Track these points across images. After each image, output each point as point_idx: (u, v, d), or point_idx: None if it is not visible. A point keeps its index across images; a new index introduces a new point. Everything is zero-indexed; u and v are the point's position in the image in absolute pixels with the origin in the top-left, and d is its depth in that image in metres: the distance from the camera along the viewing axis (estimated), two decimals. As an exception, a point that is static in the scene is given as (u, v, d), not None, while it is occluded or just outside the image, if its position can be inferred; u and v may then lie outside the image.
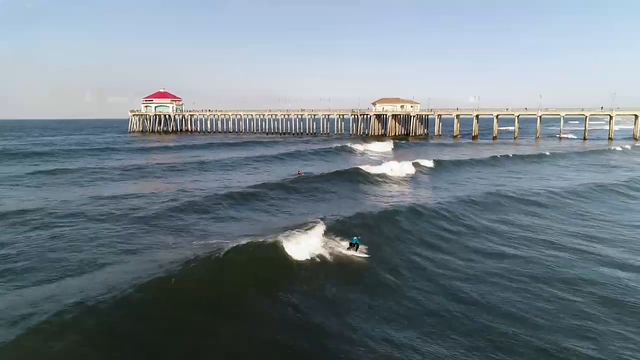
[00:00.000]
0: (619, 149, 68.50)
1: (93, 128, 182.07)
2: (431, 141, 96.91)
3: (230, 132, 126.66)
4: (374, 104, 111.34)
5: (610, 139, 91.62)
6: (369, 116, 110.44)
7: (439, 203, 26.55)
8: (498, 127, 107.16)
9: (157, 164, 48.60)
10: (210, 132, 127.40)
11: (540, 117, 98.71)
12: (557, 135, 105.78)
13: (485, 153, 61.40)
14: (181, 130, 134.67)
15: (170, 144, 79.62)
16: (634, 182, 36.32)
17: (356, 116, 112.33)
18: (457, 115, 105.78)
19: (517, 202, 28.44)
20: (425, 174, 42.01)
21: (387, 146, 74.92)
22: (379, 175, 38.66)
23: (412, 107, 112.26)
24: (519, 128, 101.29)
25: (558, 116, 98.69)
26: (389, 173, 39.80)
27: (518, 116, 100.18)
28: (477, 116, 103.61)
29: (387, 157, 56.06)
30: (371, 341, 11.14)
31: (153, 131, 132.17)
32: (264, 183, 32.75)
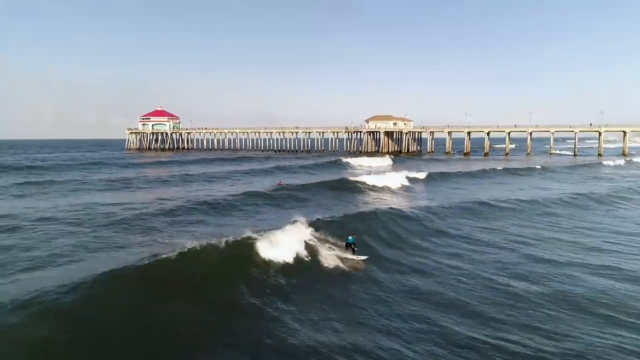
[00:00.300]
0: (609, 163, 68.99)
1: (92, 146, 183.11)
2: (424, 157, 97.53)
3: (226, 149, 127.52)
4: (367, 121, 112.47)
5: (599, 154, 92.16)
6: (362, 133, 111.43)
7: (415, 208, 26.77)
8: (490, 144, 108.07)
9: (144, 176, 49.00)
10: (207, 149, 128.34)
11: (530, 133, 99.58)
12: (549, 152, 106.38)
13: (474, 167, 61.86)
14: (178, 147, 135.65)
15: (163, 159, 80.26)
16: (604, 191, 36.56)
17: (350, 133, 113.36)
18: (449, 132, 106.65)
19: (491, 208, 28.66)
20: (412, 184, 42.05)
21: (380, 161, 75.54)
22: (364, 184, 38.74)
23: (405, 124, 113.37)
24: (514, 146, 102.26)
25: (548, 132, 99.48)
26: (376, 182, 39.55)
27: (509, 133, 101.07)
28: (468, 133, 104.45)
29: (378, 170, 56.52)
30: (305, 326, 11.28)
31: (150, 148, 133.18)
32: (244, 192, 32.99)
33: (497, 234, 22.22)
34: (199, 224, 23.69)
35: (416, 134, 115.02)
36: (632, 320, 11.73)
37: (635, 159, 76.28)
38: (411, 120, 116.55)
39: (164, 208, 27.12)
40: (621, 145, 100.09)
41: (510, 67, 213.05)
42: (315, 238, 17.94)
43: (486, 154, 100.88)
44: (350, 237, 17.94)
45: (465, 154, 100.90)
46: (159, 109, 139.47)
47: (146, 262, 14.09)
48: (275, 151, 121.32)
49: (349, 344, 10.36)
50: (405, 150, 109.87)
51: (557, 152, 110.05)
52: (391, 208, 25.92)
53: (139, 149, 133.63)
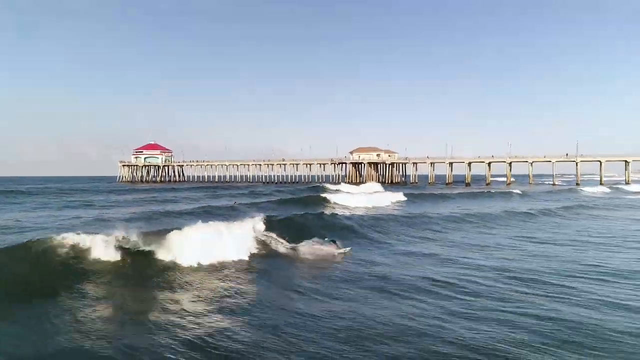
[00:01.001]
0: (585, 189, 69.13)
1: (88, 181, 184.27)
2: (407, 187, 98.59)
3: (216, 181, 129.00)
4: (351, 153, 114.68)
5: (577, 183, 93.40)
6: (346, 165, 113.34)
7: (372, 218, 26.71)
8: (471, 174, 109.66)
9: (108, 199, 49.50)
10: (198, 182, 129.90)
11: (510, 163, 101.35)
12: (528, 182, 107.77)
13: (454, 191, 62.79)
14: (170, 180, 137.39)
15: (146, 187, 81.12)
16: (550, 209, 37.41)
17: (335, 165, 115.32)
18: (431, 163, 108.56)
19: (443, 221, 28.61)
20: (382, 200, 41.85)
21: (365, 187, 75.23)
22: (335, 202, 38.04)
23: (389, 156, 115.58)
24: (514, 180, 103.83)
25: (526, 162, 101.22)
26: (347, 200, 39.42)
27: (489, 163, 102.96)
28: (450, 164, 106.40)
29: (358, 192, 56.29)
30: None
31: (142, 181, 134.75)
32: (191, 209, 31.74)
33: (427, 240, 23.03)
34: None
35: (400, 165, 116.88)
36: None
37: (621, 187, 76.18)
38: (396, 153, 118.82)
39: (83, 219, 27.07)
40: (624, 178, 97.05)
41: (488, 99, 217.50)
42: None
43: (467, 184, 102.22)
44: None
45: (447, 184, 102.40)
46: (152, 142, 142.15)
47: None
48: (263, 183, 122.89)
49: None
50: (389, 181, 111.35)
51: (541, 182, 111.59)
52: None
53: (131, 181, 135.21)
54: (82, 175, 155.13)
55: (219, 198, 48.72)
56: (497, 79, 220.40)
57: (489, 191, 62.12)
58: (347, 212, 30.22)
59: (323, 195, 41.27)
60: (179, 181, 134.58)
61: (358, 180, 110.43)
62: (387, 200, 42.90)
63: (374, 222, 23.08)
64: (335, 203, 37.42)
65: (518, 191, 61.44)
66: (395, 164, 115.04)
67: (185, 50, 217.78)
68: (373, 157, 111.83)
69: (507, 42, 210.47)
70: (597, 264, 14.07)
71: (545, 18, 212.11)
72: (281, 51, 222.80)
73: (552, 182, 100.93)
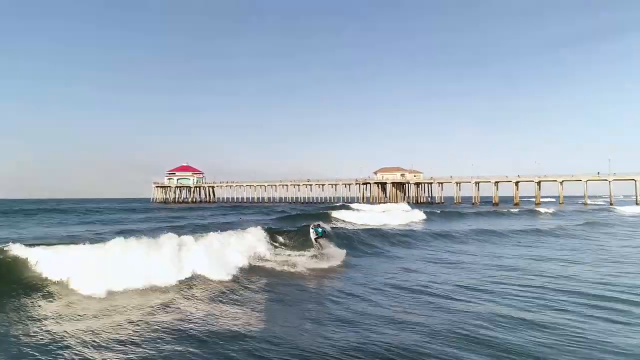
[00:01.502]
0: (619, 209, 65.66)
1: (127, 202, 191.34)
2: (432, 206, 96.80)
3: (244, 201, 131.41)
4: (375, 173, 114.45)
5: (611, 203, 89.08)
6: (369, 185, 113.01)
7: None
8: (498, 194, 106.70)
9: (134, 215, 51.48)
10: (226, 202, 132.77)
11: (538, 183, 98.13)
12: (558, 202, 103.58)
13: (481, 209, 61.14)
14: (201, 200, 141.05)
15: (172, 207, 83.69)
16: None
17: (359, 185, 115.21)
18: (457, 183, 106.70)
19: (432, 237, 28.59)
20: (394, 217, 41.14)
21: (391, 206, 73.37)
22: (340, 218, 37.57)
23: (414, 176, 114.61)
24: (520, 197, 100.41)
25: (555, 182, 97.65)
26: (353, 217, 38.39)
27: (516, 183, 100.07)
28: (477, 183, 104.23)
29: (371, 210, 55.62)
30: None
31: (174, 201, 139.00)
32: (193, 224, 31.89)
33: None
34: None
35: (425, 185, 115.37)
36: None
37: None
38: (421, 173, 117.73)
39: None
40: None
41: (516, 115, 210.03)
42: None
43: (495, 204, 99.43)
44: (319, 229, 16.52)
45: (473, 204, 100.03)
46: (185, 164, 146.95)
47: None
48: (289, 203, 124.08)
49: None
50: (414, 202, 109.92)
51: (573, 203, 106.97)
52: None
53: (165, 202, 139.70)
54: (128, 197, 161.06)
55: (229, 215, 49.61)
56: (526, 96, 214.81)
57: (509, 210, 60.11)
58: (346, 226, 30.35)
59: (331, 212, 41.36)
60: (209, 202, 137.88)
61: (383, 201, 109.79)
62: (400, 218, 41.58)
63: (363, 236, 22.90)
64: (339, 219, 37.33)
65: (544, 210, 58.73)
66: (420, 184, 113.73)
67: (218, 75, 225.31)
68: (397, 177, 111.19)
69: (536, 59, 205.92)
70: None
71: (577, 30, 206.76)
72: (307, 77, 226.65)
73: (583, 202, 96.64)
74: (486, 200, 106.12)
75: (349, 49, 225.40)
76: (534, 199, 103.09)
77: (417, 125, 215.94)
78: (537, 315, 8.88)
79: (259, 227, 18.44)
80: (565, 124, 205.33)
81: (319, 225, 17.29)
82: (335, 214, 39.51)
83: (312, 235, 16.78)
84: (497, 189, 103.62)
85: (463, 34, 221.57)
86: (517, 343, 7.22)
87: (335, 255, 15.90)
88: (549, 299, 10.29)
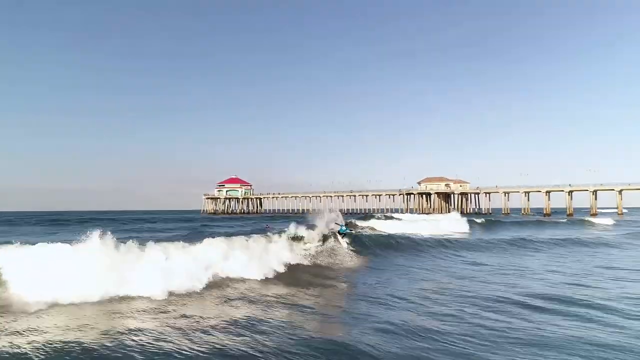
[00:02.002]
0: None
1: (181, 213, 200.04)
2: (479, 217, 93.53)
3: (289, 212, 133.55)
4: (418, 183, 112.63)
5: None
6: (413, 195, 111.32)
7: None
8: (551, 205, 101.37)
9: (174, 224, 54.05)
10: (272, 213, 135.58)
11: (594, 192, 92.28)
12: (617, 213, 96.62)
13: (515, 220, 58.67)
14: (249, 212, 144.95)
15: (217, 217, 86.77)
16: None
17: (403, 196, 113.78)
18: (505, 193, 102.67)
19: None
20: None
21: (437, 217, 70.34)
22: (370, 227, 37.18)
23: (460, 186, 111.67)
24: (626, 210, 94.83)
25: (613, 191, 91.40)
26: (385, 226, 37.33)
27: (570, 192, 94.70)
28: (526, 193, 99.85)
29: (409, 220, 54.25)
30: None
31: (222, 212, 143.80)
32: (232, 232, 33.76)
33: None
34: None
35: (472, 195, 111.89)
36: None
37: None
38: (467, 182, 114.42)
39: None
40: None
41: (567, 120, 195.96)
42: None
43: (546, 214, 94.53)
44: (342, 227, 17.81)
45: (523, 214, 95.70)
46: (234, 176, 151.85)
47: None
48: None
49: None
50: (460, 211, 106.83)
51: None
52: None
53: (214, 213, 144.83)
54: (185, 209, 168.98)
55: (257, 224, 50.45)
56: (578, 98, 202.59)
57: (555, 220, 56.98)
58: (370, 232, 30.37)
59: (365, 221, 41.31)
60: (257, 212, 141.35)
61: (428, 211, 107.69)
62: (436, 228, 40.47)
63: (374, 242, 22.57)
64: (369, 227, 37.17)
65: (597, 221, 54.53)
66: (466, 194, 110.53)
67: (269, 90, 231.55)
68: (441, 187, 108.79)
69: (591, 61, 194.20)
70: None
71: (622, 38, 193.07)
72: (350, 91, 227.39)
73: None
74: (537, 212, 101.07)
75: (388, 61, 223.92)
76: (590, 210, 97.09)
77: (465, 132, 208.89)
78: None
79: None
80: (622, 131, 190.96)
81: (346, 225, 18.54)
82: (369, 222, 39.41)
83: (336, 229, 18.16)
84: (549, 199, 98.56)
85: (512, 39, 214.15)
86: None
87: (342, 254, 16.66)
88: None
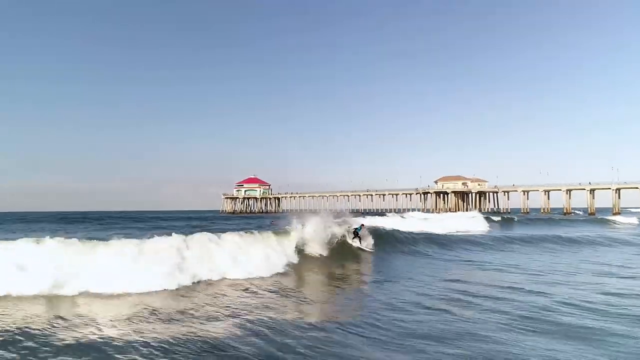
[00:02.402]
0: None
1: (200, 213, 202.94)
2: (497, 215, 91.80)
3: (309, 210, 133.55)
4: (435, 182, 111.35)
5: None
6: (428, 194, 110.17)
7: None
8: (572, 204, 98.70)
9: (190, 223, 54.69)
10: (290, 212, 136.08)
11: (617, 190, 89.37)
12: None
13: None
14: (267, 211, 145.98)
15: (234, 217, 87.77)
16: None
17: (420, 195, 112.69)
18: (524, 192, 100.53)
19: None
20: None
21: (452, 215, 68.51)
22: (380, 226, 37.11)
23: (479, 185, 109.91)
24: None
25: (638, 189, 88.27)
26: (394, 224, 37.27)
27: (591, 191, 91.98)
28: (546, 192, 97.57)
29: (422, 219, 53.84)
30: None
31: (241, 212, 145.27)
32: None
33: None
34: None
35: (490, 194, 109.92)
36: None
37: None
38: (486, 181, 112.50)
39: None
40: None
41: (588, 115, 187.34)
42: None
43: (566, 213, 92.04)
44: (357, 227, 18.37)
45: (543, 212, 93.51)
46: (252, 176, 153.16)
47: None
48: (350, 212, 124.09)
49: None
50: (478, 210, 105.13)
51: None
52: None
53: (233, 212, 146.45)
54: (208, 209, 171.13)
55: (262, 222, 50.60)
56: (602, 95, 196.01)
57: (574, 219, 55.39)
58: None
59: (379, 218, 41.27)
60: (275, 212, 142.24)
61: (442, 209, 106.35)
62: (443, 226, 39.89)
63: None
64: (382, 226, 37.13)
65: (620, 219, 51.78)
66: (483, 193, 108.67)
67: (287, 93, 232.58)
68: (458, 185, 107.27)
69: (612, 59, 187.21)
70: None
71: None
72: (369, 92, 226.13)
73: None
74: (557, 212, 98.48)
75: (405, 59, 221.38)
76: (612, 209, 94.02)
77: (488, 127, 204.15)
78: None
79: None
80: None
81: (361, 225, 18.72)
82: (379, 220, 39.28)
83: (351, 228, 18.59)
84: (569, 198, 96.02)
85: (528, 37, 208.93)
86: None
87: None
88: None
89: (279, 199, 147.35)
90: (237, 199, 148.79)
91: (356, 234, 18.23)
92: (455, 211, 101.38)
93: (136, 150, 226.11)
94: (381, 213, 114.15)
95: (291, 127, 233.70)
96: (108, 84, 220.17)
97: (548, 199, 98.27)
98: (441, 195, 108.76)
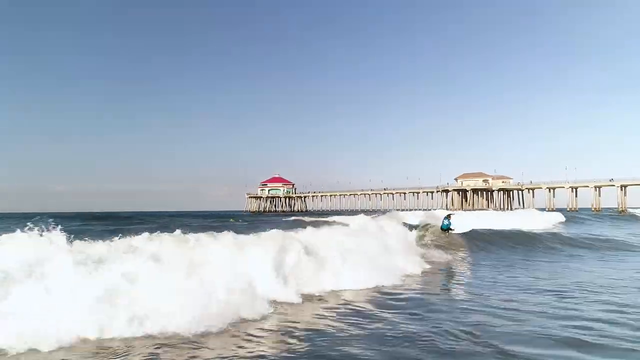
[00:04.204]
0: None
1: (226, 212, 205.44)
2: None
3: (330, 210, 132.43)
4: (456, 179, 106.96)
5: None
6: (448, 191, 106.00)
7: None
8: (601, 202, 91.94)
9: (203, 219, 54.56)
10: (313, 211, 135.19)
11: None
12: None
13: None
14: (292, 210, 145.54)
15: (252, 217, 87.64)
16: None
17: (441, 193, 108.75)
18: (550, 189, 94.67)
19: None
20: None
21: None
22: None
23: (503, 182, 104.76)
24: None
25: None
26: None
27: (623, 187, 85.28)
28: (573, 189, 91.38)
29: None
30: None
31: (264, 211, 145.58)
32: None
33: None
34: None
35: (512, 192, 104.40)
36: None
37: None
38: (510, 178, 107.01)
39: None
40: None
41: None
42: None
43: (596, 210, 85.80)
44: (445, 222, 16.73)
45: (570, 210, 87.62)
46: (276, 175, 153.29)
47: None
48: (371, 211, 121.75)
49: None
50: (500, 207, 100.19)
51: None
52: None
53: (257, 211, 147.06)
54: (239, 209, 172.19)
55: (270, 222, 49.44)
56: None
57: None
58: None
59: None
60: (299, 211, 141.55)
61: (462, 207, 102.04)
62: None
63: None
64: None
65: None
66: (506, 191, 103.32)
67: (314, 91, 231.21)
68: (479, 183, 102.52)
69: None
70: None
71: None
72: (393, 92, 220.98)
73: None
74: (585, 211, 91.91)
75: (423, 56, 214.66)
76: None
77: (512, 118, 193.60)
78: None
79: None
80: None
81: (448, 217, 17.19)
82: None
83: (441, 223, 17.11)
84: (599, 195, 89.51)
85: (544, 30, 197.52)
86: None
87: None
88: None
89: (302, 197, 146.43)
90: (261, 198, 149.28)
91: (444, 230, 16.76)
92: (481, 208, 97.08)
93: (185, 155, 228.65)
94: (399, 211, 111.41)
95: (313, 128, 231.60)
96: (150, 94, 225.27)
97: (576, 196, 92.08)
98: (461, 193, 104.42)
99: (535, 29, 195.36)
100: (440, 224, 17.25)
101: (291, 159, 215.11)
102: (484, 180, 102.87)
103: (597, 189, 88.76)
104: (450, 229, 16.73)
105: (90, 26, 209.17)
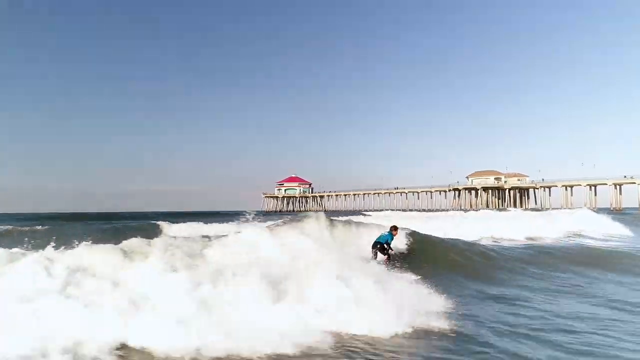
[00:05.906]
0: None
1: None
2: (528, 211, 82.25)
3: (347, 210, 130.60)
4: (467, 177, 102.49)
5: None
6: (459, 190, 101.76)
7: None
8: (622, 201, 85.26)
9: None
10: (330, 210, 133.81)
11: (676, 184, 75.53)
12: None
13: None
14: (308, 209, 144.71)
15: (266, 216, 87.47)
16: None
17: (453, 191, 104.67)
18: (566, 187, 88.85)
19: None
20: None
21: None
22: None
23: (519, 180, 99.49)
24: None
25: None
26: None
27: (644, 184, 78.68)
28: (591, 186, 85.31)
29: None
30: None
31: (281, 210, 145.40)
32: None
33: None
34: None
35: (526, 190, 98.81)
36: None
37: None
38: (526, 176, 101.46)
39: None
40: None
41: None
42: None
43: (616, 210, 79.53)
44: (383, 234, 10.93)
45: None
46: (293, 175, 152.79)
47: None
48: (382, 210, 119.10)
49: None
50: (512, 206, 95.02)
51: None
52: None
53: (274, 211, 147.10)
54: (253, 208, 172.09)
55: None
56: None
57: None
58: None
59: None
60: (317, 210, 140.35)
61: (473, 205, 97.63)
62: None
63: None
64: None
65: None
66: (519, 189, 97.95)
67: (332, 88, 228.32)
68: (490, 181, 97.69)
69: None
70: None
71: None
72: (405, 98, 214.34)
73: None
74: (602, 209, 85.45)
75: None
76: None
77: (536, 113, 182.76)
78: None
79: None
80: None
81: (393, 230, 11.06)
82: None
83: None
84: (619, 193, 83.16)
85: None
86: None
87: None
88: None
89: (317, 197, 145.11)
90: (277, 198, 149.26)
91: (381, 244, 10.74)
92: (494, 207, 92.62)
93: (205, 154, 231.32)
94: (406, 210, 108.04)
95: (329, 128, 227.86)
96: (174, 95, 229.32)
97: (595, 194, 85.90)
98: (471, 191, 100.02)
99: (551, 23, 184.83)
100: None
101: (307, 159, 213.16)
102: (495, 178, 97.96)
103: (617, 187, 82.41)
104: (389, 249, 10.75)
105: (90, 25, 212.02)
